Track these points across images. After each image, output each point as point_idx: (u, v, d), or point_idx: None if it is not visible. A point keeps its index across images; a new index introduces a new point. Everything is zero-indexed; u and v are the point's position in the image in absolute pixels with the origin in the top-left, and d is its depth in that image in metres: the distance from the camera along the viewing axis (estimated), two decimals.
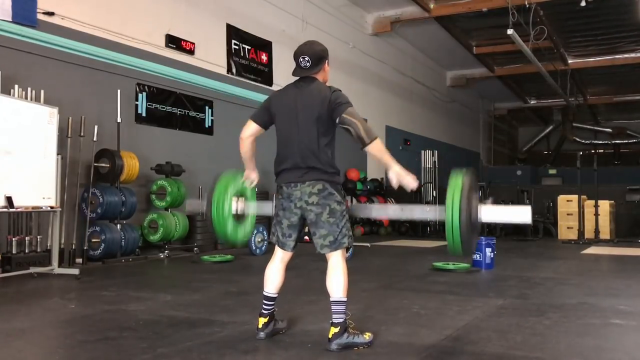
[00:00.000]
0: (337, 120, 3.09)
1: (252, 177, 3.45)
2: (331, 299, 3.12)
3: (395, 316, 3.96)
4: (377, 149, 3.04)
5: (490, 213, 2.99)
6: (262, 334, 3.28)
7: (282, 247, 3.30)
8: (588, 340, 3.40)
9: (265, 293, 3.31)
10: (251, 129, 3.31)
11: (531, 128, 27.75)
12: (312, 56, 3.19)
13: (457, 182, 2.92)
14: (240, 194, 3.46)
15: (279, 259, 3.32)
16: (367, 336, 3.15)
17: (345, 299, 3.11)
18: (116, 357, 2.98)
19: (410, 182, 3.02)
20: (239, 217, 3.45)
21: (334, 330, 3.07)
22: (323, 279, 3.20)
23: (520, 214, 3.11)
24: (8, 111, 5.58)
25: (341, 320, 3.08)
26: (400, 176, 3.03)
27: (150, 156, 8.16)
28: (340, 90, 3.20)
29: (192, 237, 8.56)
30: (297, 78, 3.27)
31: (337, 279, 3.12)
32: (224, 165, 10.71)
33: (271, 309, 3.31)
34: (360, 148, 3.07)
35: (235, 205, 3.39)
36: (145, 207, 8.27)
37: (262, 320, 3.29)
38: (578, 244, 10.69)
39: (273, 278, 3.30)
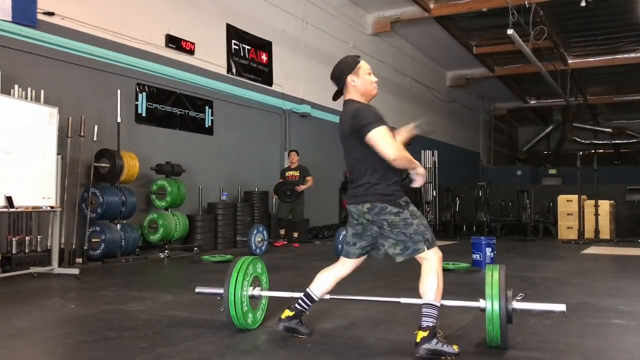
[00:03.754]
0: (365, 139, 3.10)
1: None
2: (423, 301, 3.02)
3: (395, 316, 3.95)
4: (401, 163, 3.08)
5: (522, 306, 3.14)
6: (281, 325, 3.23)
7: (347, 255, 3.27)
8: (588, 340, 3.40)
9: (308, 290, 3.29)
10: None
11: (531, 128, 27.77)
12: (333, 77, 3.26)
13: (495, 278, 3.05)
14: (255, 277, 3.53)
15: (335, 269, 3.31)
16: (456, 347, 2.97)
17: (437, 303, 2.99)
18: (116, 357, 2.98)
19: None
20: (254, 300, 3.51)
21: (422, 334, 2.91)
22: None
23: (551, 307, 3.17)
24: (8, 111, 5.59)
25: (431, 324, 2.94)
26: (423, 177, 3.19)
27: (150, 156, 8.17)
28: (367, 107, 3.16)
29: (192, 237, 8.57)
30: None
31: (430, 281, 3.01)
32: (223, 165, 10.74)
33: (303, 308, 3.27)
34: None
35: (251, 292, 3.47)
36: (145, 207, 8.28)
37: (287, 312, 3.25)
38: (578, 243, 10.68)
39: (322, 282, 3.29)
